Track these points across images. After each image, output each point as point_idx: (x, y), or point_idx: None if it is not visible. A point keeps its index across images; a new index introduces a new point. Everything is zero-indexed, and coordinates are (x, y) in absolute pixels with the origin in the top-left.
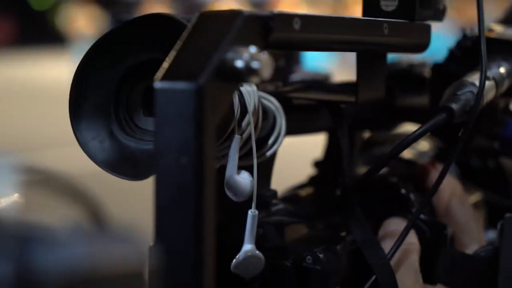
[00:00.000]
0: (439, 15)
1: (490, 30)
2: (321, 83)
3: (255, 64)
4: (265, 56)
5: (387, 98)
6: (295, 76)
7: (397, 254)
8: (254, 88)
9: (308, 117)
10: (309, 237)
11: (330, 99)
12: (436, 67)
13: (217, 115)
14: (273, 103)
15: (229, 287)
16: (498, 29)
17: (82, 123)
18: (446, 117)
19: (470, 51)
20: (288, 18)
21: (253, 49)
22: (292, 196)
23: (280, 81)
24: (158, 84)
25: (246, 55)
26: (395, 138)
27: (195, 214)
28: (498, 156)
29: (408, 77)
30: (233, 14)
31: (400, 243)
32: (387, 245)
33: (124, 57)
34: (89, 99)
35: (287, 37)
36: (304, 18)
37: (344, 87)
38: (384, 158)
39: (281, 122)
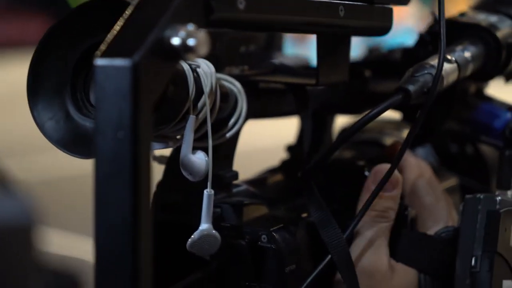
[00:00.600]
0: None
1: (462, 15)
2: (286, 67)
3: (191, 41)
4: (201, 33)
5: (359, 83)
6: (268, 61)
7: (367, 234)
8: (212, 69)
9: (276, 101)
10: (267, 218)
11: (293, 82)
12: (406, 51)
13: (154, 91)
14: (235, 85)
15: (189, 267)
16: (470, 14)
17: (40, 104)
18: (402, 98)
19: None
20: None
21: (190, 26)
22: (258, 179)
23: (248, 65)
24: (97, 61)
25: (182, 33)
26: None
27: (131, 187)
28: (476, 141)
29: (385, 62)
30: None
31: (357, 221)
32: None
33: (81, 39)
34: (47, 80)
35: (230, 17)
36: None
37: (307, 70)
38: (338, 140)
39: (242, 104)
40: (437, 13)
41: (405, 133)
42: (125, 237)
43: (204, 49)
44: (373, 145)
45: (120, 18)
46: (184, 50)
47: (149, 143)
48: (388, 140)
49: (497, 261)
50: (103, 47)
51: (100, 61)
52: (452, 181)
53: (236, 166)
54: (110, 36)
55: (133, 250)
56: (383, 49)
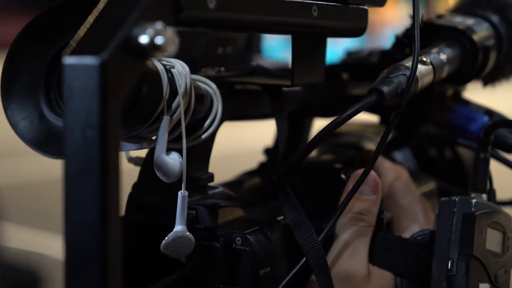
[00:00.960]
0: (379, 0)
1: (440, 17)
2: (262, 68)
3: (159, 40)
4: (170, 32)
5: (336, 85)
6: (246, 63)
7: (344, 236)
8: (187, 69)
9: (252, 103)
10: (242, 220)
11: (268, 83)
12: (383, 54)
13: (122, 90)
14: (210, 87)
15: (164, 269)
16: (448, 17)
17: (13, 103)
18: (376, 99)
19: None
20: None
21: (159, 25)
22: (235, 181)
23: (225, 66)
24: (65, 59)
25: (150, 31)
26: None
27: (99, 185)
28: (453, 144)
29: (363, 65)
30: None
31: (332, 222)
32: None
33: (55, 38)
34: (21, 80)
35: (200, 15)
36: None
37: (282, 71)
38: (311, 142)
39: (218, 105)
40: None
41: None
42: (93, 235)
43: (172, 48)
44: (352, 148)
45: (90, 15)
46: (152, 48)
47: (118, 141)
48: (367, 144)
49: (473, 264)
50: (72, 45)
51: (68, 59)
52: (430, 185)
53: (217, 169)
54: (79, 34)
55: (102, 249)
56: (362, 52)
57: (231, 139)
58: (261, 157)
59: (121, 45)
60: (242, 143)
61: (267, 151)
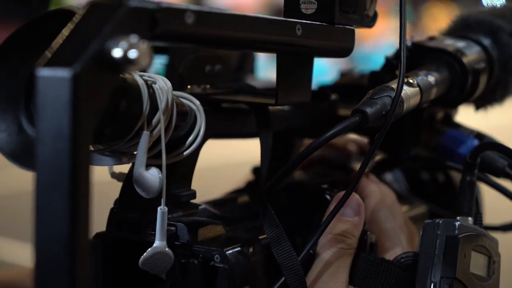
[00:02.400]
0: (367, 21)
1: (431, 39)
2: (248, 86)
3: (132, 54)
4: (144, 45)
5: (326, 106)
6: (234, 82)
7: (324, 257)
8: (169, 85)
9: (238, 121)
10: (223, 238)
11: (253, 101)
12: (372, 75)
13: (94, 103)
14: (194, 103)
15: (144, 285)
16: (439, 39)
17: None
18: (359, 120)
19: (406, 61)
20: (178, 11)
21: (133, 38)
22: (219, 199)
23: (211, 84)
24: (38, 71)
25: (124, 44)
26: None
27: (69, 197)
28: (447, 168)
29: (355, 87)
30: (118, 4)
31: (312, 244)
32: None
33: (34, 51)
34: (0, 92)
35: (177, 30)
36: (199, 13)
37: (268, 90)
38: (293, 161)
39: (201, 122)
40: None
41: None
42: (62, 247)
43: (145, 62)
44: (340, 169)
45: (65, 28)
46: (125, 62)
47: (88, 154)
48: (355, 165)
49: (457, 287)
50: (46, 56)
51: (41, 71)
52: (421, 209)
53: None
54: (53, 46)
55: (70, 260)
56: (355, 73)
57: (217, 152)
58: (246, 169)
59: (94, 57)
60: (229, 156)
61: (255, 170)
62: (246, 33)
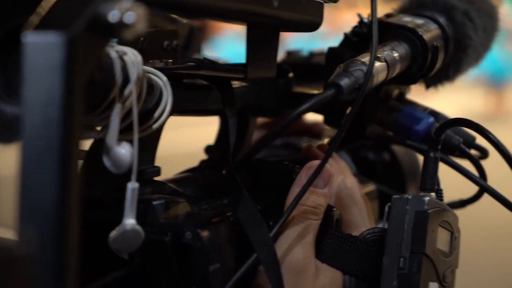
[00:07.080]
0: None
1: (389, 15)
2: (213, 61)
3: (128, 17)
4: (140, 9)
5: (283, 83)
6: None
7: (295, 229)
8: (139, 58)
9: (200, 97)
10: (191, 215)
11: (220, 76)
12: (331, 52)
13: (87, 69)
14: (160, 78)
15: (110, 265)
16: (397, 16)
17: None
18: (334, 93)
19: (365, 37)
20: None
21: (127, 2)
22: (179, 178)
23: (172, 59)
24: (26, 36)
25: (119, 8)
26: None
27: (59, 168)
28: (390, 146)
29: (307, 65)
30: None
31: (284, 220)
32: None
33: (2, 21)
34: None
35: None
36: None
37: (235, 65)
38: (265, 137)
39: (168, 96)
40: (363, 15)
41: (328, 137)
42: (52, 223)
43: (141, 26)
44: (290, 148)
45: None
46: (121, 26)
47: (81, 123)
48: (304, 144)
49: (425, 262)
50: (34, 20)
51: (29, 36)
52: (370, 187)
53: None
54: (41, 11)
55: (61, 236)
56: (301, 52)
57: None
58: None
59: (89, 22)
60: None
61: (208, 149)
62: (227, 3)
